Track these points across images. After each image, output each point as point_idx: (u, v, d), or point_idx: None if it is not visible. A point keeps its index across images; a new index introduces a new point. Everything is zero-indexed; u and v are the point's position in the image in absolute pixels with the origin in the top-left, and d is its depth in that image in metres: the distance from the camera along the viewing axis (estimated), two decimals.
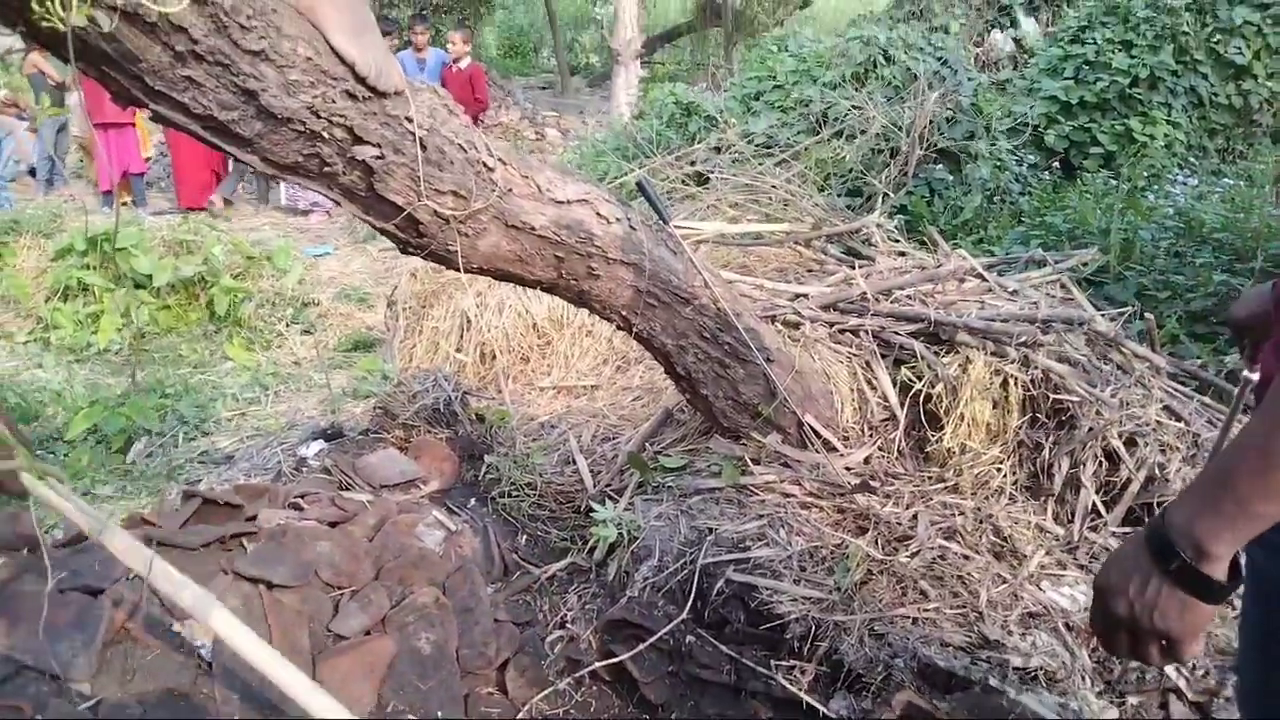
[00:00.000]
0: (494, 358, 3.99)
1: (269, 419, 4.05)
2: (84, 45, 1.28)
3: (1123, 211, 4.67)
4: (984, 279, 3.09)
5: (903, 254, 3.42)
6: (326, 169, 1.65)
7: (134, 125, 8.50)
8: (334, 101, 1.57)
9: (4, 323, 5.38)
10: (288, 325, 5.42)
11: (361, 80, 1.60)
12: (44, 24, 1.19)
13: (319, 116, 1.56)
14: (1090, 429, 2.44)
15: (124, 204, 7.88)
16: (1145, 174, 5.79)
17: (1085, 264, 3.62)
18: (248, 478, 3.19)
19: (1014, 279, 3.26)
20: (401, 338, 4.34)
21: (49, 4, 1.16)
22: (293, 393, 4.43)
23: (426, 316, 4.47)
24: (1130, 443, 2.45)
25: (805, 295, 3.09)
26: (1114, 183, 5.52)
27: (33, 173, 9.23)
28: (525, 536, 2.62)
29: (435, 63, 8.65)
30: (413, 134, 1.70)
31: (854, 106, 5.43)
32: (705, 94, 7.77)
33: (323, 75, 1.54)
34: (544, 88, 17.36)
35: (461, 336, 4.18)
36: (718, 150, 5.50)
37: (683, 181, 4.59)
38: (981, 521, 2.34)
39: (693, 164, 5.18)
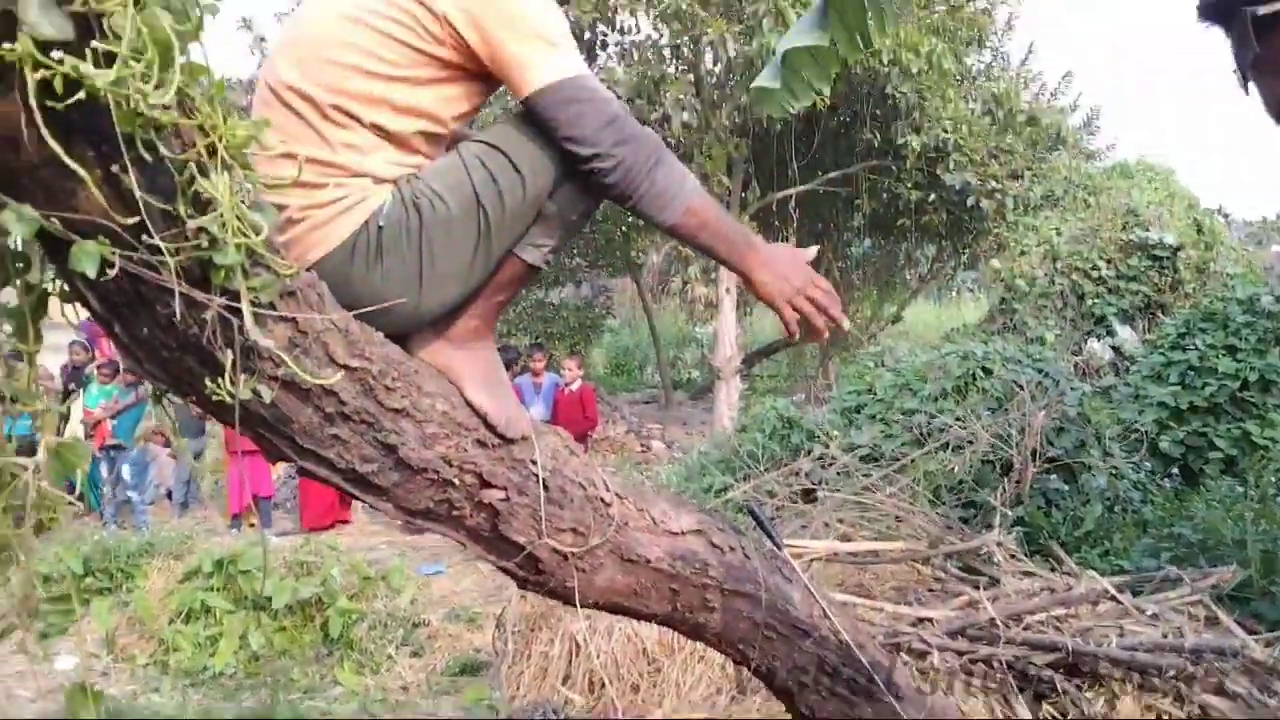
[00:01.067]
0: (603, 686, 3.87)
1: None
2: (245, 412, 1.41)
3: (1256, 520, 4.45)
4: (1119, 601, 2.93)
5: (1029, 573, 3.28)
6: (455, 512, 1.72)
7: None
8: (466, 450, 1.66)
9: (128, 645, 5.51)
10: (398, 647, 5.40)
11: (492, 429, 1.70)
12: (214, 397, 1.32)
13: (451, 465, 1.65)
14: None
15: (251, 525, 8.24)
16: (1274, 477, 5.56)
17: (1226, 580, 3.41)
18: None
19: (1151, 601, 3.08)
20: (510, 663, 4.26)
21: (220, 381, 1.29)
22: None
23: (535, 640, 4.41)
24: None
25: (930, 620, 2.96)
26: (1240, 490, 5.30)
27: (170, 495, 9.81)
28: None
29: (549, 386, 9.19)
30: (537, 476, 1.78)
31: (957, 419, 5.47)
32: (805, 407, 7.97)
33: (457, 427, 1.65)
34: (648, 402, 18.01)
35: (570, 663, 4.09)
36: (822, 463, 5.54)
37: (790, 499, 4.60)
38: None
39: (798, 475, 5.21)
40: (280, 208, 1.40)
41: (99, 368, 9.04)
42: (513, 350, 10.27)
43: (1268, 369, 6.42)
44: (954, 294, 19.95)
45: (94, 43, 0.98)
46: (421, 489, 1.66)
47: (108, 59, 0.98)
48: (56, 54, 0.96)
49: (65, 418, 8.11)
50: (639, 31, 10.73)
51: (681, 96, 9.49)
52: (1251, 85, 1.11)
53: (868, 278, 16.20)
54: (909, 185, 11.66)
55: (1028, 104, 12.10)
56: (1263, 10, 1.03)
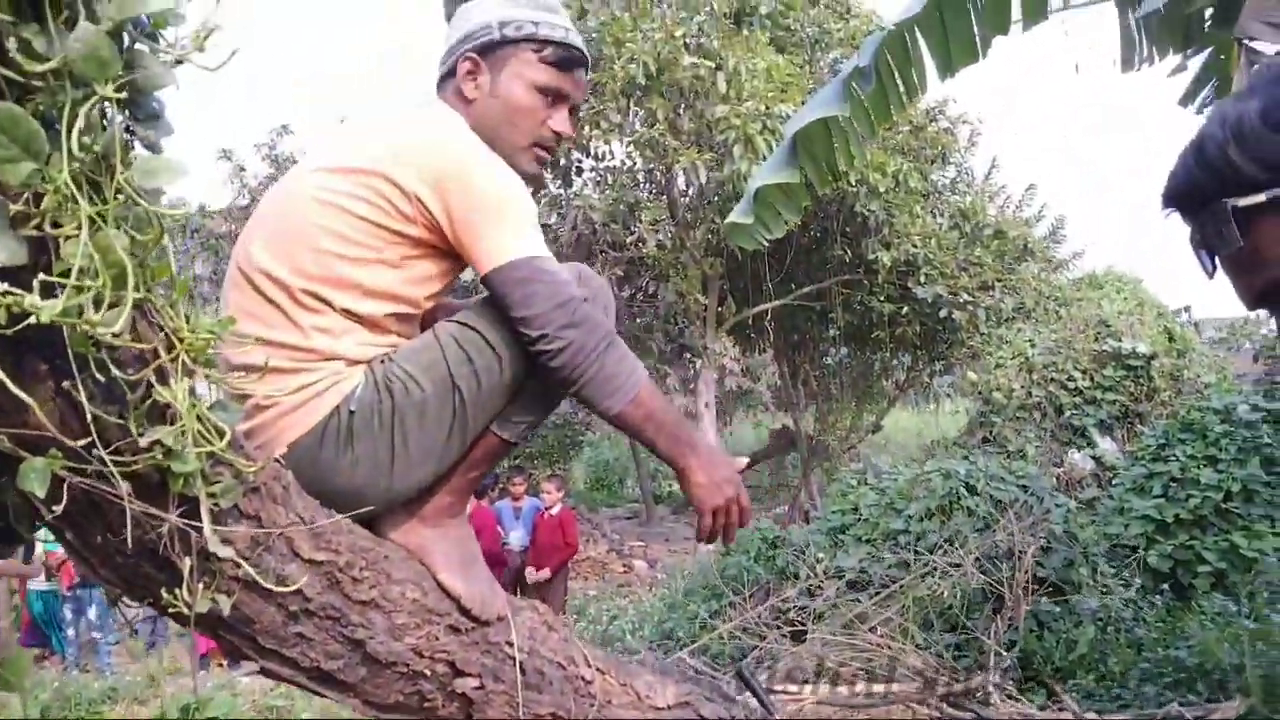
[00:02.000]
0: None
1: None
2: (203, 615, 1.33)
3: (1253, 642, 4.35)
4: None
5: (1027, 717, 3.17)
6: (426, 704, 1.63)
7: None
8: (438, 639, 1.58)
9: None
10: None
11: (466, 612, 1.63)
12: (170, 609, 1.24)
13: (422, 656, 1.57)
14: None
15: (220, 665, 7.93)
16: (1266, 592, 5.48)
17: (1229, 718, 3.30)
18: None
19: None
20: None
21: (177, 591, 1.22)
22: None
23: None
24: None
25: None
26: (1234, 608, 5.22)
27: (135, 632, 9.46)
28: None
29: (529, 510, 9.04)
30: (513, 659, 1.69)
31: (946, 540, 5.39)
32: (790, 525, 7.86)
33: (429, 614, 1.58)
34: (630, 517, 17.80)
35: None
36: (810, 591, 5.42)
37: (777, 640, 4.47)
38: None
39: (784, 613, 5.09)
40: (245, 397, 1.35)
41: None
42: (490, 475, 10.16)
43: (1249, 479, 6.40)
44: (931, 401, 20.05)
45: (41, 274, 0.94)
46: (391, 683, 1.57)
47: (59, 283, 0.94)
48: (1, 285, 0.92)
49: (29, 559, 7.85)
50: (613, 158, 11.00)
51: (656, 220, 9.65)
52: (1219, 273, 1.09)
53: (845, 386, 16.27)
54: (881, 298, 11.82)
55: (994, 217, 12.41)
56: (1244, 202, 1.00)
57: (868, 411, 16.39)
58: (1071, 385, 9.58)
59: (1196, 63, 4.44)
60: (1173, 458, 6.70)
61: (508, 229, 1.56)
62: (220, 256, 15.96)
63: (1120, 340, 9.70)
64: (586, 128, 9.78)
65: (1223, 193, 1.01)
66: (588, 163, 11.01)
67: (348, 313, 1.54)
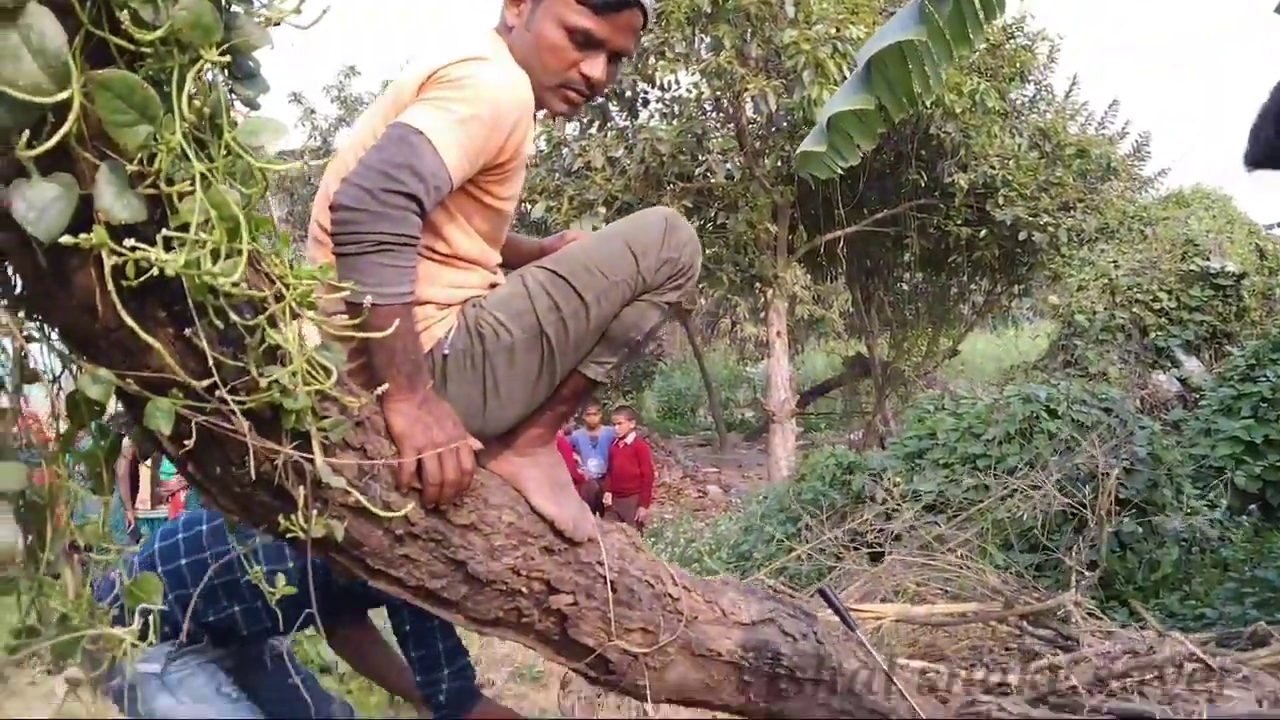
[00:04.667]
0: None
1: None
2: (317, 539, 1.43)
3: None
4: (1208, 665, 2.82)
5: (1109, 633, 3.18)
6: (524, 619, 1.72)
7: None
8: (533, 559, 1.67)
9: None
10: None
11: (559, 534, 1.71)
12: (288, 533, 1.34)
13: (519, 574, 1.66)
14: None
15: None
16: None
17: None
18: None
19: (1239, 658, 2.96)
20: None
21: (294, 518, 1.31)
22: None
23: (602, 705, 4.37)
24: None
25: (1008, 686, 2.87)
26: None
27: None
28: None
29: (605, 439, 9.24)
30: (604, 577, 1.78)
31: (1025, 463, 5.36)
32: (865, 451, 7.86)
33: (524, 536, 1.66)
34: (703, 445, 17.96)
35: None
36: (886, 514, 5.44)
37: (855, 561, 4.53)
38: None
39: (861, 535, 5.13)
40: (348, 340, 1.42)
41: None
42: None
43: None
44: (1010, 325, 19.66)
45: (164, 229, 1.01)
46: (490, 600, 1.67)
47: (179, 237, 1.01)
48: (129, 241, 0.99)
49: (135, 490, 8.23)
50: (680, 88, 10.87)
51: (725, 150, 9.54)
52: None
53: (920, 312, 16.04)
54: (958, 222, 11.58)
55: (1075, 135, 11.99)
56: None
57: (944, 337, 16.16)
58: (1157, 306, 9.31)
59: None
60: (1263, 378, 6.51)
61: (436, 111, 1.50)
62: (295, 199, 16.28)
63: (1208, 259, 9.37)
64: (651, 58, 9.66)
65: None
66: (654, 93, 10.90)
67: (429, 251, 1.59)
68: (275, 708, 2.28)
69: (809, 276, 16.14)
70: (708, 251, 10.91)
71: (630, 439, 9.16)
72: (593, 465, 9.16)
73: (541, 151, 10.99)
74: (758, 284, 11.70)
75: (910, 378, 15.02)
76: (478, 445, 1.58)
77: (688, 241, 1.70)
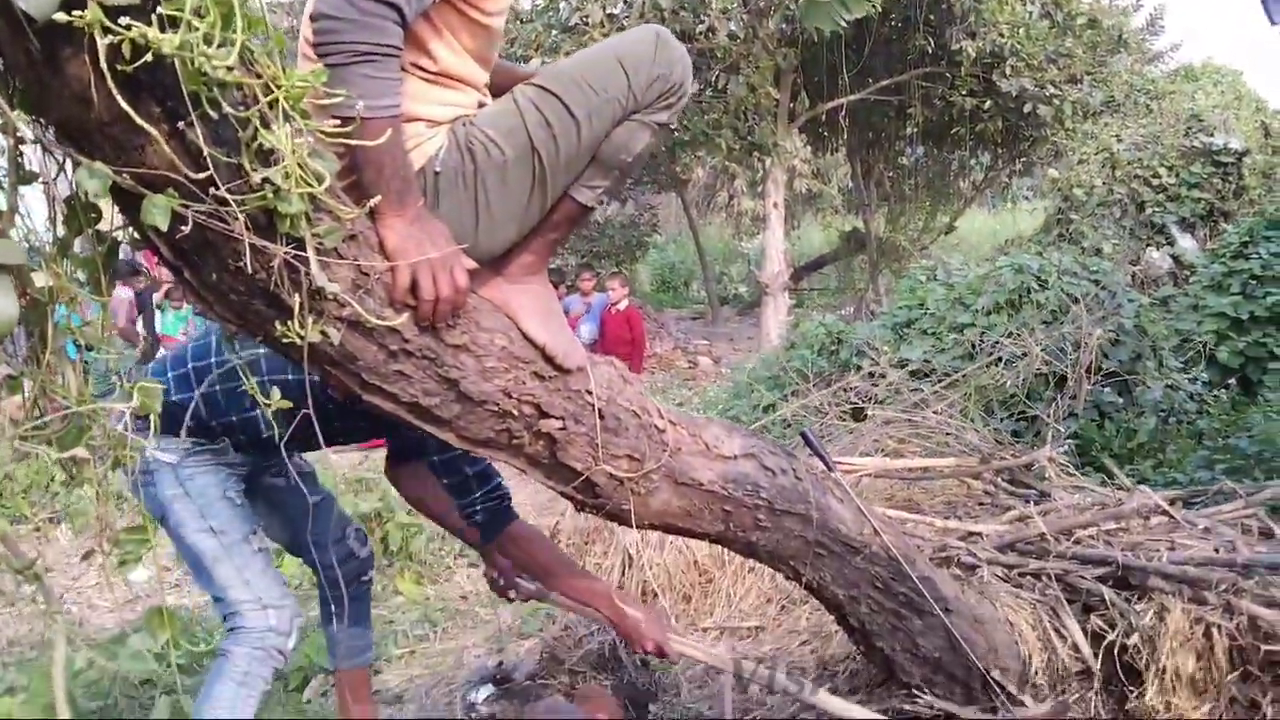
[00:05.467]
0: (655, 597, 3.99)
1: (437, 657, 4.12)
2: (313, 351, 1.47)
3: None
4: (1171, 516, 2.94)
5: (1080, 488, 3.30)
6: (515, 441, 1.78)
7: None
8: (524, 383, 1.71)
9: None
10: (455, 559, 5.58)
11: (550, 360, 1.75)
12: (284, 340, 1.37)
13: (510, 397, 1.70)
14: None
15: None
16: None
17: None
18: None
19: (1203, 514, 3.08)
20: None
21: (289, 324, 1.34)
22: (460, 629, 4.51)
23: (589, 553, 4.54)
24: None
25: (980, 534, 3.00)
26: None
27: None
28: None
29: (598, 305, 9.28)
30: (592, 405, 1.83)
31: (1010, 333, 5.42)
32: (855, 322, 7.92)
33: (515, 360, 1.70)
34: (695, 318, 18.04)
35: (623, 574, 4.21)
36: (872, 380, 5.53)
37: (839, 417, 4.63)
38: None
39: (847, 391, 5.23)
40: (340, 154, 1.42)
41: (167, 293, 8.87)
42: (558, 272, 10.35)
43: None
44: (1009, 202, 19.50)
45: (159, 8, 1.00)
46: (482, 420, 1.72)
47: (172, 22, 1.01)
48: (123, 20, 0.98)
49: (154, 342, 8.22)
50: None
51: (727, 9, 9.23)
52: None
53: (919, 187, 15.88)
54: (963, 92, 11.34)
55: (1088, 5, 11.61)
56: None
57: (942, 212, 16.05)
58: (1156, 182, 9.23)
59: None
60: (1255, 255, 6.53)
61: None
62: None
63: (1212, 135, 9.24)
64: None
65: None
66: None
67: (417, 69, 1.57)
68: (281, 518, 2.39)
69: (809, 148, 15.88)
70: (706, 117, 10.70)
71: (623, 305, 9.19)
72: (585, 330, 9.21)
73: (537, 6, 10.64)
74: (756, 152, 11.52)
75: (905, 253, 14.99)
76: (471, 264, 1.60)
77: (679, 59, 1.68)
